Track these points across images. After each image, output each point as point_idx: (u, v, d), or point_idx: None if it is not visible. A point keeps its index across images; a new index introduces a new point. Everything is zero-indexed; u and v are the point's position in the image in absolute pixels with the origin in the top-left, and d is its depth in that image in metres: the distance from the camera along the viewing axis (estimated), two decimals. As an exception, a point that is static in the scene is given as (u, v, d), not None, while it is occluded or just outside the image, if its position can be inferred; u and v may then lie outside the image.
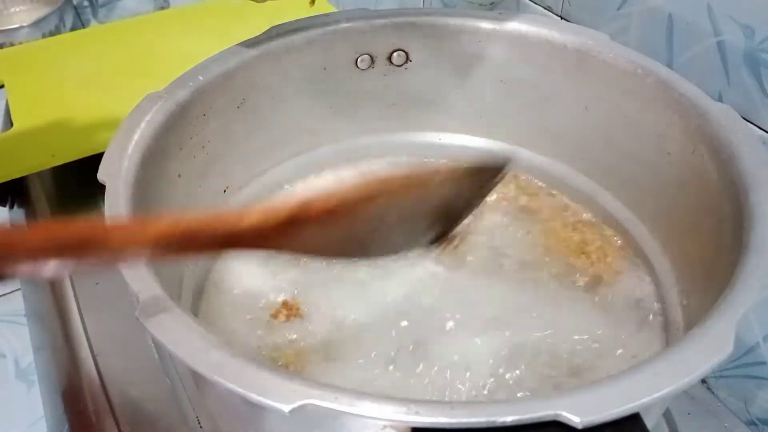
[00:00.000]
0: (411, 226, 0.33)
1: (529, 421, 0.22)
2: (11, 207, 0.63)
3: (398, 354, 0.37)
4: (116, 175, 0.33)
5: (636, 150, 0.41)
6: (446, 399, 0.34)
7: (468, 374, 0.35)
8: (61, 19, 0.92)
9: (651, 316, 0.39)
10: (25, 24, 0.88)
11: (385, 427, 0.23)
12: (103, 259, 0.25)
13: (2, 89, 0.65)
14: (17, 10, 1.01)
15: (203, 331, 0.25)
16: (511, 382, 0.35)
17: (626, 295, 0.40)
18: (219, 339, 0.25)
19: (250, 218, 0.26)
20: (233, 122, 0.43)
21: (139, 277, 0.28)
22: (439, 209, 0.33)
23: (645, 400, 0.22)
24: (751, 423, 0.44)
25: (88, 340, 0.45)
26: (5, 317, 0.85)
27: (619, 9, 0.48)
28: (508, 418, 0.22)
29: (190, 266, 0.40)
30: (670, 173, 0.38)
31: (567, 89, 0.43)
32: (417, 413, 0.22)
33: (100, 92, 0.63)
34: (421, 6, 0.74)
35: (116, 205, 0.31)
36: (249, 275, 0.42)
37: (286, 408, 0.22)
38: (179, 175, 0.39)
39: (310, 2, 0.48)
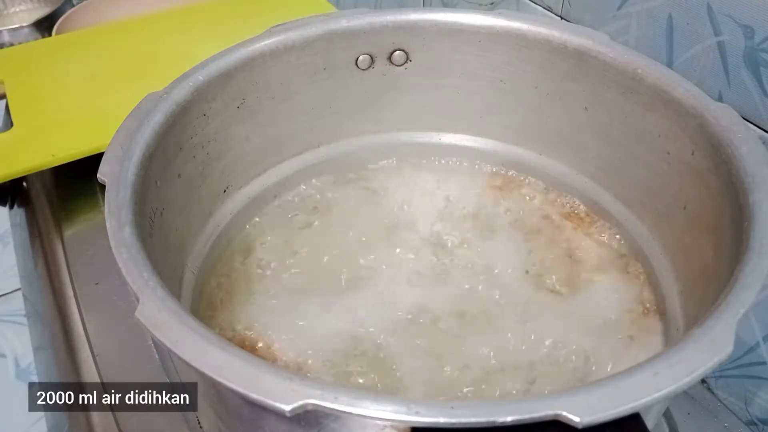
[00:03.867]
0: None
1: (529, 421, 0.22)
2: (11, 207, 0.63)
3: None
4: (116, 175, 0.33)
5: (636, 150, 0.41)
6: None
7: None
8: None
9: (650, 316, 0.39)
10: (25, 24, 0.88)
11: (385, 427, 0.23)
12: None
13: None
14: (17, 10, 1.01)
15: (203, 331, 0.25)
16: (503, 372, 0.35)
17: (625, 295, 0.40)
18: (219, 338, 0.25)
19: None
20: (233, 122, 0.43)
21: (139, 277, 0.28)
22: None
23: (645, 400, 0.22)
24: (751, 423, 0.44)
25: (88, 340, 0.45)
26: (5, 317, 0.85)
27: (619, 9, 0.48)
28: (508, 418, 0.22)
29: (191, 266, 0.40)
30: (670, 173, 0.38)
31: (567, 89, 0.43)
32: (417, 413, 0.22)
33: (100, 92, 0.63)
34: (421, 6, 0.74)
35: (116, 205, 0.31)
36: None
37: (286, 408, 0.22)
38: (179, 175, 0.39)
39: None
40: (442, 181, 0.49)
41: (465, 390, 0.35)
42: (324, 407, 0.22)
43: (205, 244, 0.42)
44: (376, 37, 0.45)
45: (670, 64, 0.45)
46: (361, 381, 0.36)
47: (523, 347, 0.37)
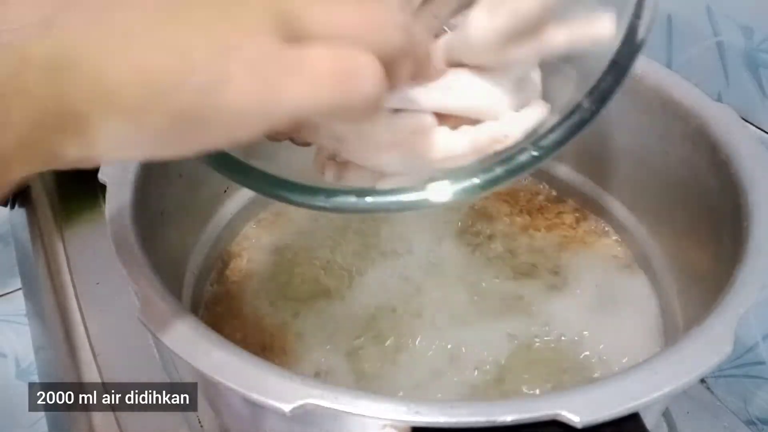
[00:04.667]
0: None
1: (529, 421, 0.22)
2: (12, 207, 0.63)
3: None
4: (117, 175, 0.33)
5: (635, 150, 0.41)
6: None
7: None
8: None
9: (650, 316, 0.39)
10: (25, 24, 0.88)
11: (385, 426, 0.23)
12: None
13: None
14: (17, 10, 1.01)
15: (204, 331, 0.25)
16: (505, 376, 0.35)
17: (625, 295, 0.40)
18: (220, 338, 0.25)
19: None
20: (233, 122, 0.43)
21: (140, 277, 0.28)
22: None
23: (645, 399, 0.22)
24: (750, 422, 0.44)
25: (88, 340, 0.45)
26: (6, 317, 0.85)
27: (618, 9, 0.48)
28: (508, 418, 0.22)
29: (191, 266, 0.40)
30: (670, 173, 0.38)
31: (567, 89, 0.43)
32: (417, 413, 0.22)
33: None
34: (421, 6, 0.74)
35: (117, 205, 0.32)
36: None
37: (286, 408, 0.22)
38: (180, 175, 0.39)
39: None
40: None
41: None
42: (324, 407, 0.22)
43: (206, 244, 0.42)
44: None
45: (669, 65, 0.45)
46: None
47: (526, 340, 0.37)
